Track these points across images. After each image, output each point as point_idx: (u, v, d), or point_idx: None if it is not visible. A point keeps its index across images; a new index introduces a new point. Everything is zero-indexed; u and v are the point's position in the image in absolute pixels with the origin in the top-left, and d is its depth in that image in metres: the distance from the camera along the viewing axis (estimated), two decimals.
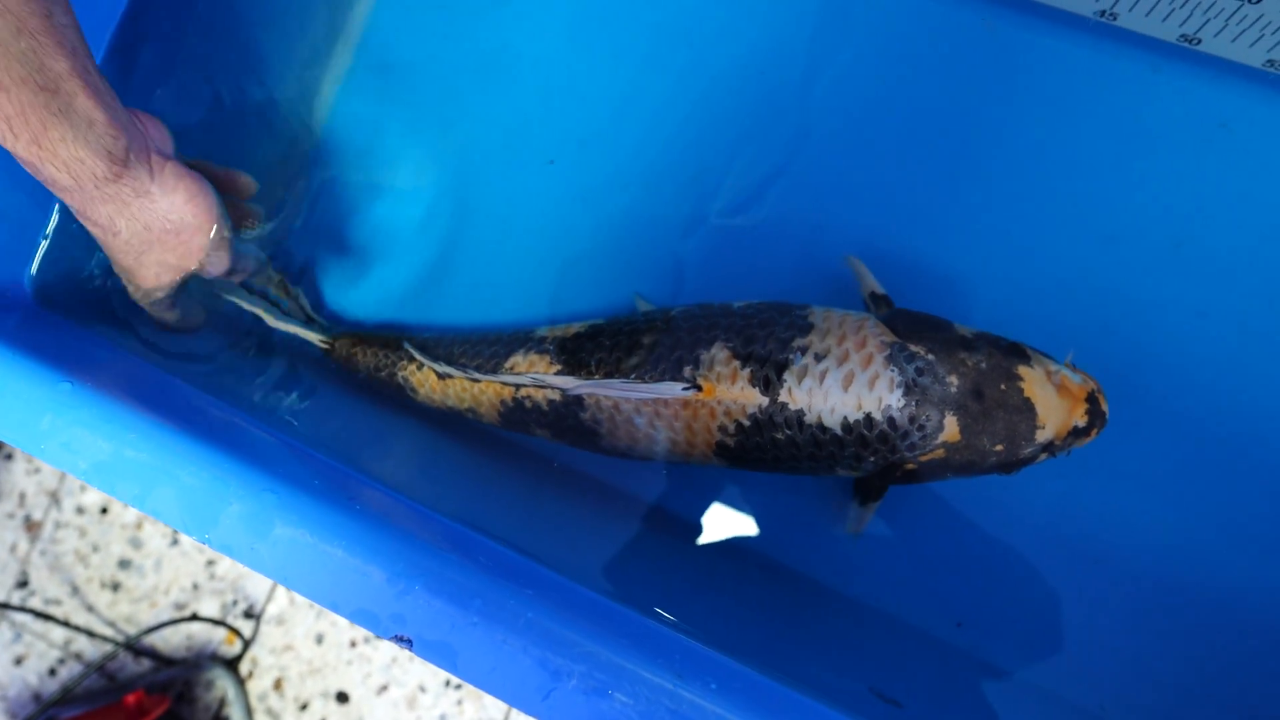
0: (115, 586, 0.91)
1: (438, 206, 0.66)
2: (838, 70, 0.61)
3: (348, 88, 0.67)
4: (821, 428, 0.48)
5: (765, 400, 0.48)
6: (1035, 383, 0.47)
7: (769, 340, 0.49)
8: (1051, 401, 0.47)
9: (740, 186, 0.62)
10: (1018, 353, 0.48)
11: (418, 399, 0.59)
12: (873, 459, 0.48)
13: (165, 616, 0.89)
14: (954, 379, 0.47)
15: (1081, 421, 0.47)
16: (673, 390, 0.49)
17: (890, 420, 0.47)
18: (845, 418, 0.47)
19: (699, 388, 0.49)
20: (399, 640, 0.39)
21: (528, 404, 0.54)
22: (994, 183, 0.60)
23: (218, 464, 0.41)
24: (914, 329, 0.48)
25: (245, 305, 0.60)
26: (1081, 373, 0.49)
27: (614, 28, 0.64)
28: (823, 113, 0.61)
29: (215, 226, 0.50)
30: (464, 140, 0.66)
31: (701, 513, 0.62)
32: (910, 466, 0.48)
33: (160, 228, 0.48)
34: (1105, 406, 0.48)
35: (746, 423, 0.49)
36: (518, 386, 0.54)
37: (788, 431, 0.49)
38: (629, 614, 0.39)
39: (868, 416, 0.47)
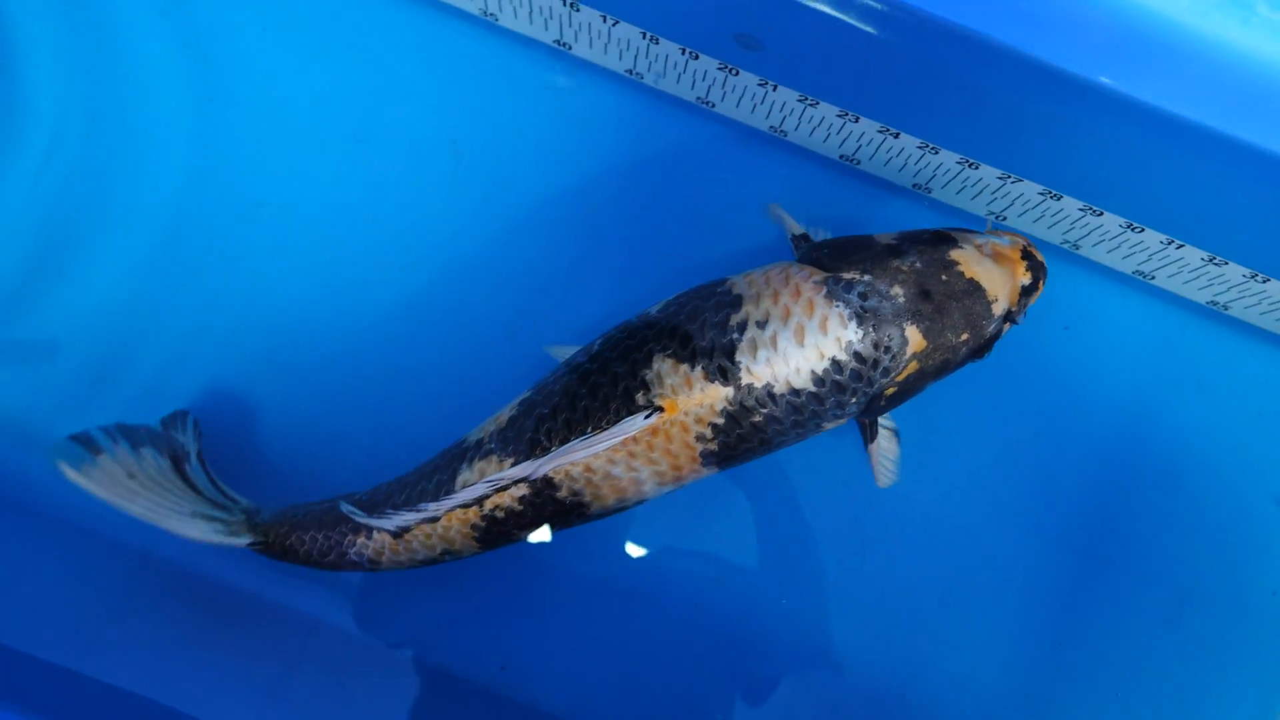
0: None
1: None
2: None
3: None
4: (794, 392, 0.46)
5: (730, 390, 0.46)
6: (971, 260, 0.46)
7: (705, 330, 0.46)
8: (993, 273, 0.46)
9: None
10: (943, 239, 0.47)
11: (381, 568, 0.52)
12: (854, 400, 0.47)
13: None
14: (898, 289, 0.45)
15: (1026, 280, 0.47)
16: (636, 424, 0.45)
17: (856, 355, 0.45)
18: (812, 372, 0.46)
19: (660, 409, 0.46)
20: None
21: (499, 514, 0.49)
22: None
23: None
24: (839, 257, 0.47)
25: (138, 513, 0.52)
26: (1007, 234, 0.48)
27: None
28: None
29: None
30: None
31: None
32: (890, 391, 0.47)
33: None
34: (1040, 256, 0.47)
35: (720, 421, 0.46)
36: (482, 501, 0.48)
37: (764, 410, 0.46)
38: None
39: (834, 361, 0.45)
